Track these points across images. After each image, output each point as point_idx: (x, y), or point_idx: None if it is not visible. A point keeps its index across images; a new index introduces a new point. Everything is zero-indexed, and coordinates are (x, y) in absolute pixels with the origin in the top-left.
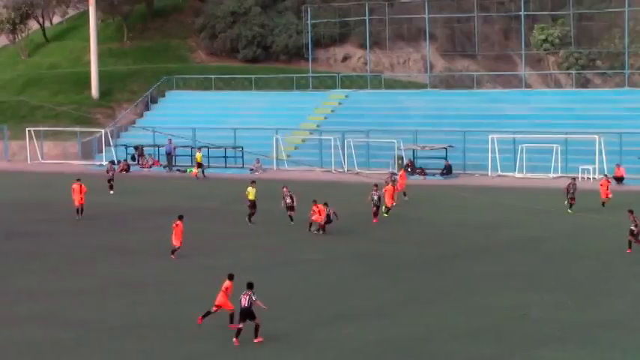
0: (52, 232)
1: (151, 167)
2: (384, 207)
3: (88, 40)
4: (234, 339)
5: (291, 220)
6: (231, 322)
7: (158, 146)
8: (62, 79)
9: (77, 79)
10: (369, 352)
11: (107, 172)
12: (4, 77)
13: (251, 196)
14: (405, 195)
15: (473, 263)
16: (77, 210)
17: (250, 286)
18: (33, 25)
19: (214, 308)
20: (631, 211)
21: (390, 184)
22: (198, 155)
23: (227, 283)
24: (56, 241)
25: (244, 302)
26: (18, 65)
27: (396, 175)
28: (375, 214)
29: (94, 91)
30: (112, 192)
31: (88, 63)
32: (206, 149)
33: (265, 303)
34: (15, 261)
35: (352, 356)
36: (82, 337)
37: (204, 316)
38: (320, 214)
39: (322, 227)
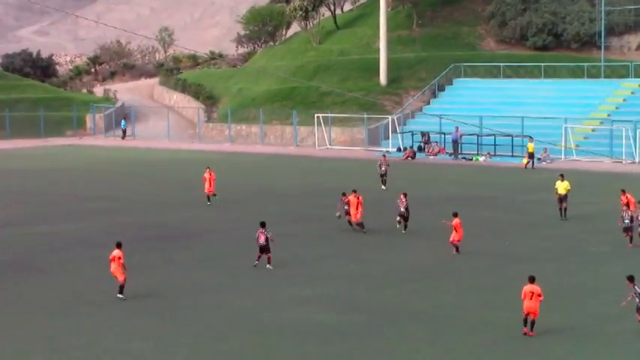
0: (333, 217)
1: (436, 155)
2: None
3: (377, 27)
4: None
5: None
6: (526, 327)
7: (444, 134)
8: (351, 65)
9: (366, 66)
10: None
11: (380, 166)
12: (295, 63)
13: (561, 190)
14: None
15: None
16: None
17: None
18: (324, 12)
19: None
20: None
21: None
22: (530, 145)
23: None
24: (341, 226)
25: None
26: (309, 52)
27: None
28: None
29: (382, 78)
30: (384, 187)
31: (377, 50)
32: (492, 137)
33: (553, 294)
34: (303, 245)
35: None
36: (368, 322)
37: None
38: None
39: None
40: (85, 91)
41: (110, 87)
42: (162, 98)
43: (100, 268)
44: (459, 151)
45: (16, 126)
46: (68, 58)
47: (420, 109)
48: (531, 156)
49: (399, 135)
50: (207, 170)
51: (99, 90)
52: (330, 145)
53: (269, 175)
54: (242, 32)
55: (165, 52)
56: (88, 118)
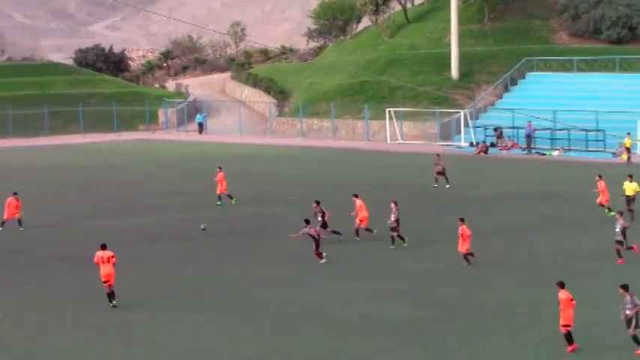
0: (407, 212)
1: (509, 149)
2: None
3: (448, 21)
4: None
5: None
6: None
7: (517, 128)
8: (422, 59)
9: (437, 60)
10: None
11: (435, 164)
12: (366, 58)
13: (629, 191)
14: None
15: None
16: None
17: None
18: (395, 6)
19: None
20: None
21: None
22: (627, 141)
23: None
24: (411, 220)
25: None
26: (379, 46)
27: None
28: None
29: (454, 72)
30: (435, 185)
31: (448, 44)
32: (566, 132)
33: None
34: (374, 240)
35: None
36: (441, 317)
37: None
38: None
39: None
40: (157, 85)
41: (182, 81)
42: (234, 93)
43: (170, 263)
44: (533, 146)
45: (90, 120)
46: (140, 53)
47: (492, 104)
48: (629, 150)
49: (471, 129)
50: (218, 170)
51: (171, 85)
52: (402, 139)
53: (340, 170)
54: (312, 26)
55: (237, 46)
56: (161, 113)
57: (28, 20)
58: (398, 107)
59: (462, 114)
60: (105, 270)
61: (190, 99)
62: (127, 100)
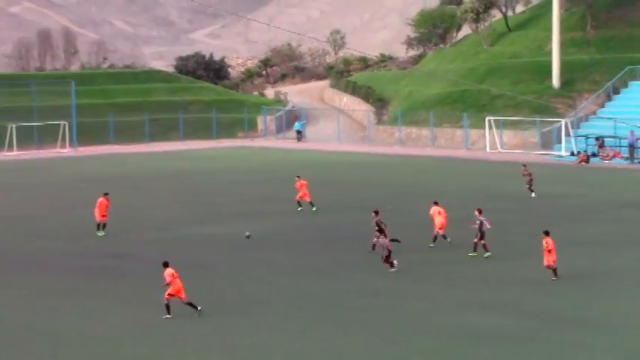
0: (507, 221)
1: (612, 159)
2: None
3: (550, 29)
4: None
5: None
6: None
7: (620, 138)
8: (523, 68)
9: (538, 69)
10: None
11: (523, 175)
12: (466, 66)
13: None
14: None
15: None
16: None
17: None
18: (495, 14)
19: None
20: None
21: None
22: None
23: None
24: (506, 230)
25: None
26: (480, 54)
27: None
28: None
29: (555, 81)
30: (533, 195)
31: (550, 52)
32: None
33: None
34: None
35: None
36: (541, 328)
37: None
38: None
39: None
40: (256, 93)
41: (281, 89)
42: (333, 101)
43: (270, 269)
44: (636, 156)
45: (189, 127)
46: (240, 61)
47: (594, 113)
48: None
49: (572, 139)
50: (298, 180)
51: (270, 92)
52: (501, 148)
53: (438, 178)
54: (412, 34)
55: (336, 54)
56: (260, 120)
57: (130, 28)
58: (498, 116)
59: (562, 123)
60: (177, 286)
61: (289, 107)
62: (226, 108)
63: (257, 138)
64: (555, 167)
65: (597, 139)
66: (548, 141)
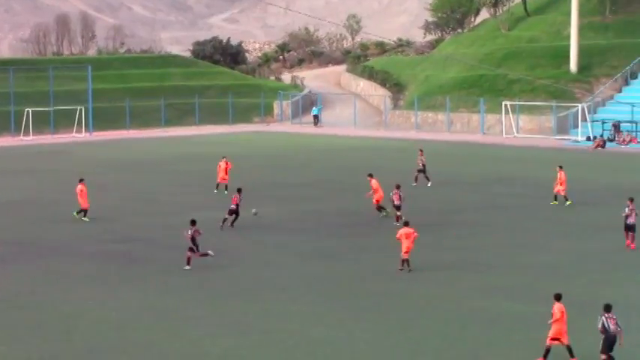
0: (525, 206)
1: (628, 144)
2: None
3: (568, 13)
4: None
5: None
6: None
7: (636, 122)
8: (540, 52)
9: (556, 53)
10: None
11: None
12: (483, 51)
13: None
14: None
15: None
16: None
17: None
18: None
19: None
20: None
21: None
22: None
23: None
24: (531, 216)
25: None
26: (497, 39)
27: None
28: None
29: (573, 66)
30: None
31: (568, 37)
32: None
33: None
34: (489, 234)
35: None
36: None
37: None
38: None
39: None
40: (272, 78)
41: (298, 74)
42: (349, 85)
43: (284, 254)
44: None
45: (205, 112)
46: (257, 46)
47: (612, 97)
48: None
49: (588, 124)
50: (224, 160)
51: (286, 77)
52: (517, 133)
53: (454, 163)
54: (430, 19)
55: (353, 39)
56: (276, 105)
57: (148, 12)
58: (514, 101)
59: (579, 108)
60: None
61: (306, 91)
62: (242, 93)
63: (273, 123)
64: (570, 152)
65: (613, 125)
66: (565, 126)
